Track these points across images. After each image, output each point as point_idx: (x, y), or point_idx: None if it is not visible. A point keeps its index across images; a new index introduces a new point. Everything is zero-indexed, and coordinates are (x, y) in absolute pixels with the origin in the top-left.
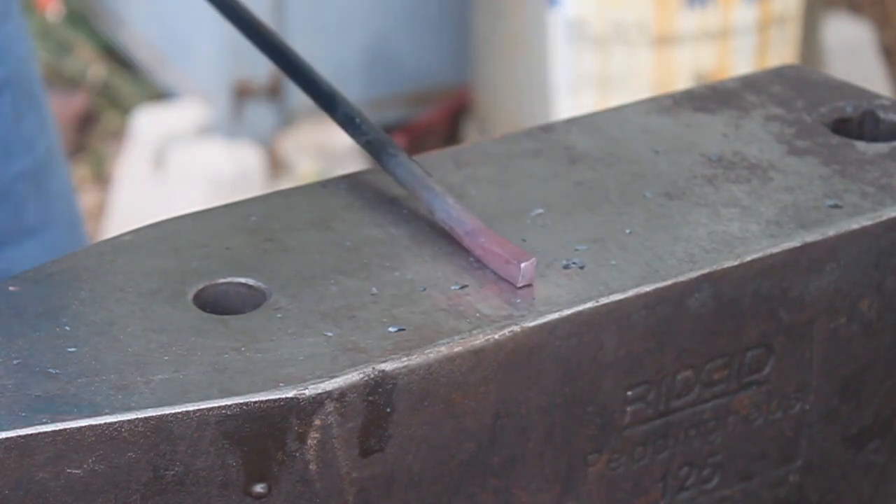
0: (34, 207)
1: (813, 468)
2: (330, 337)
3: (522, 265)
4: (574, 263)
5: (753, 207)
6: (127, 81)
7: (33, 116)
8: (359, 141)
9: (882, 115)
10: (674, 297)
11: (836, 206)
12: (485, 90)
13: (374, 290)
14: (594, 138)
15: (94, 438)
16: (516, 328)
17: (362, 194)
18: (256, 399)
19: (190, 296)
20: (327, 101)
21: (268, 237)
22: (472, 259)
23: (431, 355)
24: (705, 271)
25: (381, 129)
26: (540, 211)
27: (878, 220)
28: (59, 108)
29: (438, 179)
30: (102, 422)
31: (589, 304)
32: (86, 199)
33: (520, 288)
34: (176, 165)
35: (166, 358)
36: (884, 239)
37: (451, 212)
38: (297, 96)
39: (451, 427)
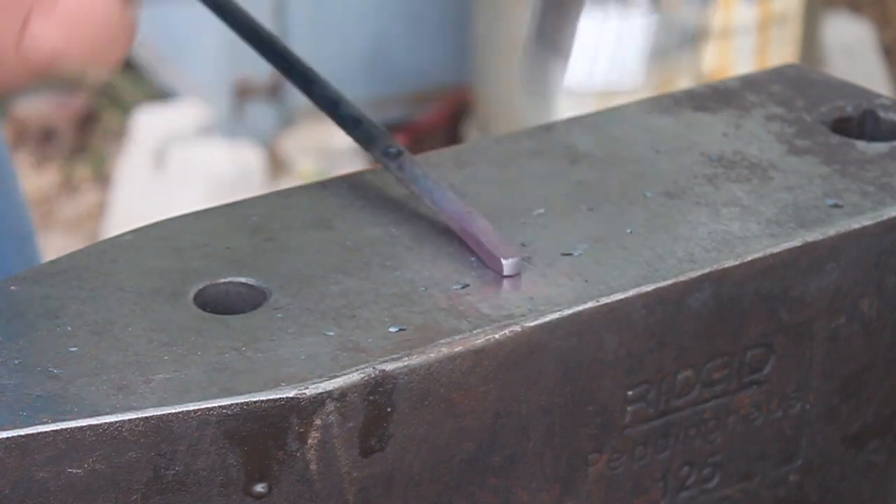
0: None
1: (813, 468)
2: (330, 336)
3: (504, 262)
4: (573, 254)
5: (754, 207)
6: (127, 81)
7: None
8: (362, 145)
9: (882, 114)
10: (674, 296)
11: (836, 206)
12: (485, 90)
13: (375, 289)
14: (595, 138)
15: (94, 438)
16: (516, 328)
17: (362, 194)
18: (257, 399)
19: (190, 295)
20: (329, 105)
21: (268, 237)
22: (472, 259)
23: (432, 355)
24: (706, 271)
25: (381, 127)
26: (541, 210)
27: (878, 219)
28: (59, 108)
29: (440, 176)
30: (103, 421)
31: (589, 304)
32: (86, 199)
33: (505, 277)
34: (176, 165)
35: (167, 357)
36: (884, 238)
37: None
38: (298, 96)
39: (452, 426)
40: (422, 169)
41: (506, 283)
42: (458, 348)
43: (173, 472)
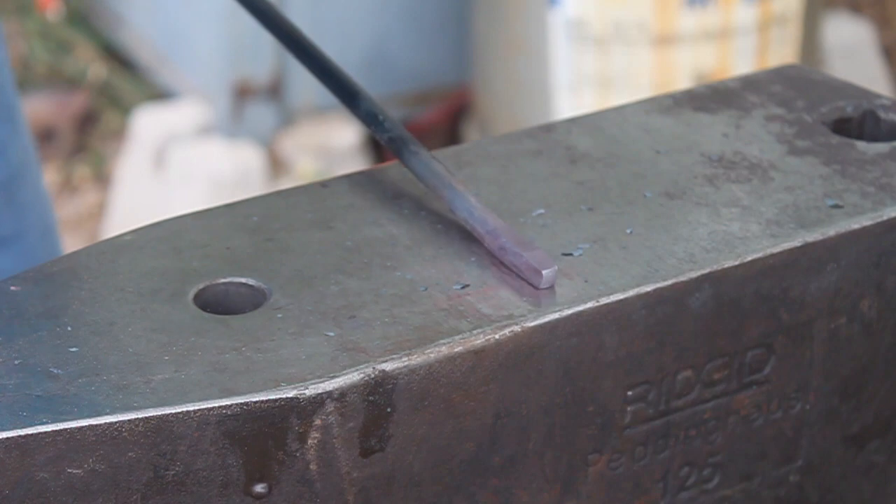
0: (5, 217)
1: (813, 468)
2: (330, 337)
3: (545, 272)
4: (573, 255)
5: (754, 207)
6: (127, 81)
7: (4, 125)
8: (381, 137)
9: (882, 115)
10: (674, 296)
11: (836, 206)
12: (485, 90)
13: (375, 289)
14: (595, 138)
15: (94, 438)
16: (517, 328)
17: (363, 194)
18: (257, 399)
19: (190, 296)
20: (350, 97)
21: (268, 237)
22: (473, 259)
23: (432, 355)
24: (706, 271)
25: (402, 126)
26: (541, 211)
27: (878, 219)
28: (59, 108)
29: (460, 178)
30: (103, 422)
31: (589, 304)
32: (86, 199)
33: (540, 289)
34: (176, 165)
35: (167, 358)
36: (884, 239)
37: (472, 211)
38: (298, 96)
39: (452, 427)
40: (441, 167)
41: (508, 283)
42: (458, 348)
43: (173, 472)
